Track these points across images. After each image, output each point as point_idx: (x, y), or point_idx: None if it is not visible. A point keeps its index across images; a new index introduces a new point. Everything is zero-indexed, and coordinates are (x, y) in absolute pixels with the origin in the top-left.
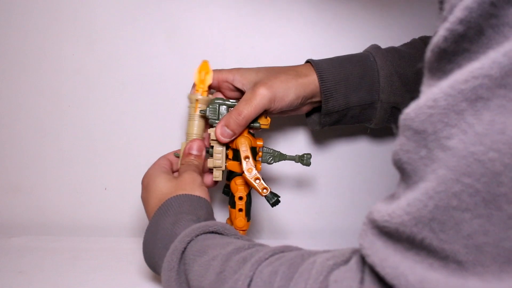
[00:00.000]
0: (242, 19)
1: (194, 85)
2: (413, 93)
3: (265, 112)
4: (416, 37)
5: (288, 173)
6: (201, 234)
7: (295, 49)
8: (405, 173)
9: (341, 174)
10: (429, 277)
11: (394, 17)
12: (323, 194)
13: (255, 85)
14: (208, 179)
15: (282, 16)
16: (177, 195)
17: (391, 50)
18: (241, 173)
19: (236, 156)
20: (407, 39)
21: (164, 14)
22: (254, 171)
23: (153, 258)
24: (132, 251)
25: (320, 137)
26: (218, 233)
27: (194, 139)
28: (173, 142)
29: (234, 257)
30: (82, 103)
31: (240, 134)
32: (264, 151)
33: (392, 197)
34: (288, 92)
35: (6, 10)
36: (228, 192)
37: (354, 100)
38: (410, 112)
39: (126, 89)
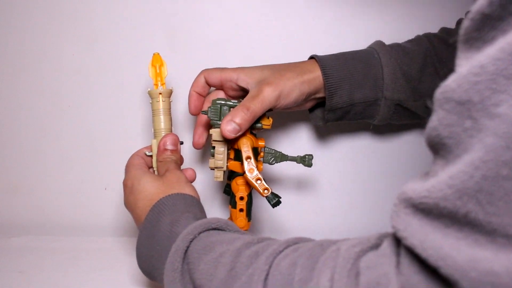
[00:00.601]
0: (242, 19)
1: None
2: (418, 90)
3: (268, 111)
4: (421, 33)
5: (290, 173)
6: (204, 231)
7: (296, 48)
8: (445, 148)
9: (342, 175)
10: (479, 256)
11: (398, 13)
12: (324, 195)
13: (261, 83)
14: (188, 173)
15: (282, 15)
16: (169, 195)
17: (395, 46)
18: (243, 174)
19: (238, 157)
20: (411, 36)
21: (164, 14)
22: (256, 172)
23: (149, 262)
24: (132, 251)
25: (322, 138)
26: (221, 230)
27: (167, 134)
28: None
29: (245, 252)
30: (82, 103)
31: (245, 132)
32: (266, 151)
33: (427, 175)
34: (294, 89)
35: (6, 10)
36: (229, 192)
37: (358, 97)
38: (451, 83)
39: (126, 89)
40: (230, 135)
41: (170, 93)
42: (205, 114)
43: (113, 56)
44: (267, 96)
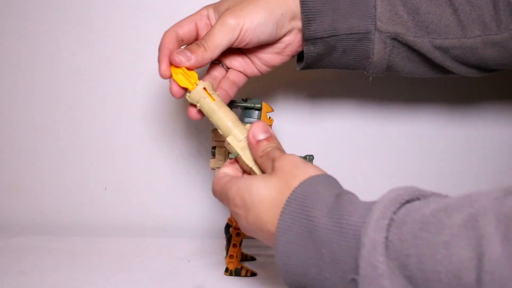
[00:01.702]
0: None
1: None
2: (423, 24)
3: (244, 53)
4: None
5: None
6: (397, 210)
7: None
8: None
9: (342, 175)
10: None
11: None
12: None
13: (222, 14)
14: None
15: None
16: (300, 184)
17: None
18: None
19: None
20: None
21: (164, 14)
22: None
23: (310, 273)
24: (132, 251)
25: (323, 138)
26: (417, 200)
27: (253, 124)
28: (173, 142)
29: (483, 219)
30: (82, 103)
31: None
32: None
33: None
34: (260, 11)
35: (6, 10)
36: None
37: (343, 27)
38: None
39: (126, 89)
40: (182, 61)
41: (212, 85)
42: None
43: (113, 56)
44: (226, 23)
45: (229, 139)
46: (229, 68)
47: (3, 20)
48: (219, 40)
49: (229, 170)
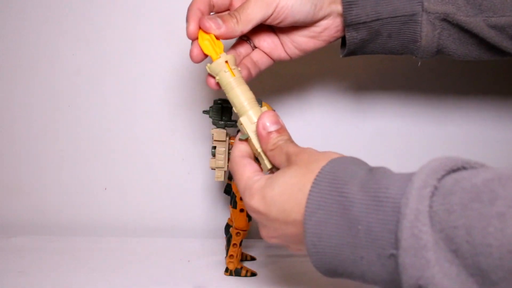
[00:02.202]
0: None
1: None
2: (475, 2)
3: (274, 30)
4: None
5: None
6: (441, 178)
7: None
8: None
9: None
10: None
11: None
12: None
13: None
14: None
15: None
16: (324, 166)
17: None
18: None
19: None
20: None
21: (164, 14)
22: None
23: (344, 250)
24: (132, 251)
25: (323, 138)
26: (462, 169)
27: (262, 115)
28: (173, 142)
29: None
30: (82, 103)
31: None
32: None
33: None
34: None
35: (5, 10)
36: (229, 192)
37: (387, 10)
38: None
39: (126, 89)
40: (212, 27)
41: (235, 59)
42: (206, 114)
43: (113, 56)
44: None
45: (242, 119)
46: (255, 48)
47: (3, 20)
48: (253, 14)
49: (244, 148)
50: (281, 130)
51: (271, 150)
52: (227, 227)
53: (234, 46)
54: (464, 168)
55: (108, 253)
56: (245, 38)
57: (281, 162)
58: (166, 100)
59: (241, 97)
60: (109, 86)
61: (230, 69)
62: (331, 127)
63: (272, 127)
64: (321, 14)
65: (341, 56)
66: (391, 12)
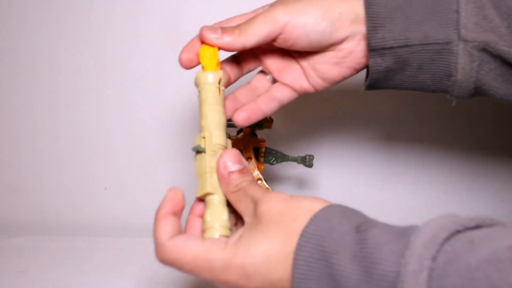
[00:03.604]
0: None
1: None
2: None
3: (293, 53)
4: None
5: (290, 174)
6: (436, 255)
7: None
8: None
9: (343, 175)
10: None
11: None
12: (325, 196)
13: (271, 5)
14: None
15: None
16: (312, 219)
17: None
18: None
19: None
20: None
21: (164, 14)
22: (256, 172)
23: None
24: (132, 251)
25: (323, 138)
26: (453, 235)
27: (223, 152)
28: (173, 142)
29: None
30: (82, 103)
31: (246, 132)
32: (267, 151)
33: None
34: (312, 6)
35: (5, 10)
36: None
37: (417, 36)
38: None
39: (126, 89)
40: (211, 38)
41: (225, 80)
42: None
43: (113, 56)
44: (271, 12)
45: (207, 134)
46: (275, 81)
47: (3, 20)
48: (258, 28)
49: (169, 229)
50: (244, 170)
51: (233, 192)
52: None
53: (251, 82)
54: (457, 231)
55: (108, 253)
56: (262, 71)
57: (247, 208)
58: (166, 100)
59: (218, 116)
60: (109, 86)
61: (220, 87)
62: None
63: (234, 167)
64: (340, 34)
65: (364, 88)
66: (422, 39)
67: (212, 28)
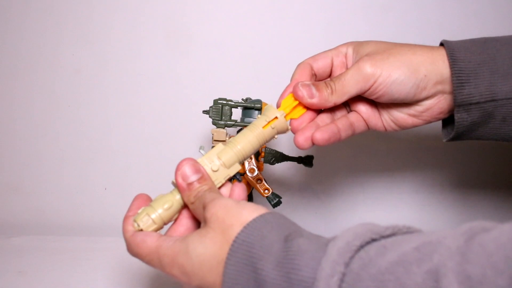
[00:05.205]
0: (242, 18)
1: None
2: None
3: (373, 102)
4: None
5: (290, 174)
6: (349, 261)
7: (299, 49)
8: None
9: (343, 176)
10: None
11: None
12: (325, 196)
13: (360, 59)
14: (236, 192)
15: (282, 14)
16: (244, 229)
17: None
18: (243, 174)
19: None
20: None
21: (164, 14)
22: (256, 172)
23: None
24: None
25: None
26: (367, 243)
27: (180, 163)
28: (173, 142)
29: (444, 279)
30: (82, 103)
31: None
32: (267, 151)
33: None
34: (400, 67)
35: (5, 10)
36: None
37: (503, 90)
38: None
39: (126, 89)
40: (304, 96)
41: (285, 129)
42: (206, 113)
43: (113, 56)
44: (361, 70)
45: (222, 146)
46: (352, 111)
47: (3, 20)
48: (349, 87)
49: (130, 227)
50: (202, 179)
51: (193, 203)
52: None
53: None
54: (372, 239)
55: (108, 253)
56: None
57: (200, 215)
58: (166, 100)
59: (246, 145)
60: (109, 86)
61: (270, 123)
62: None
63: (192, 178)
64: (423, 94)
65: (444, 140)
66: (508, 93)
67: (306, 85)
